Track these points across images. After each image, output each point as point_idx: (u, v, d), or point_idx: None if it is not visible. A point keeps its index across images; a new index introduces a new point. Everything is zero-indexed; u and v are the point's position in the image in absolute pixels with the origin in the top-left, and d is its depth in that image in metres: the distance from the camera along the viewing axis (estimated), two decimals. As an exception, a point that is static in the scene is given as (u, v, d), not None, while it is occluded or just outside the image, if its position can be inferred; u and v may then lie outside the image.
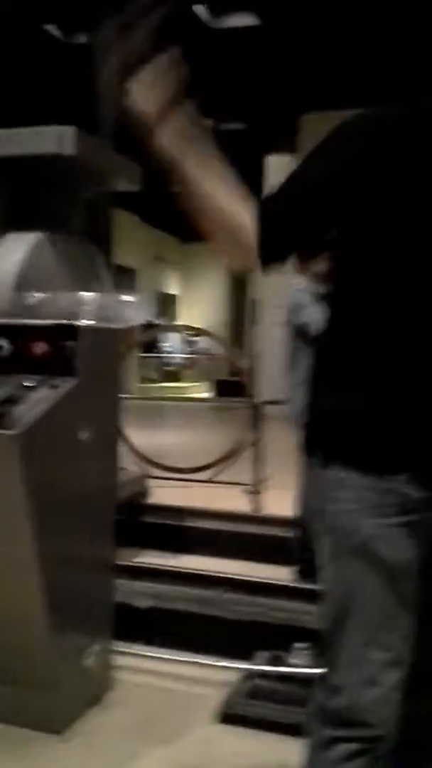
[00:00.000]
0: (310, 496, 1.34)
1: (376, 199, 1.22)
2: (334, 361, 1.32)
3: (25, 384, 1.95)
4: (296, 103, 10.47)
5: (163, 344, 18.00)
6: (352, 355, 1.26)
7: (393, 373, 1.23)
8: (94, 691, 2.25)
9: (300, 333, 3.27)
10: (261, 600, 2.92)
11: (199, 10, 8.08)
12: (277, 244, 1.27)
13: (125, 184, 3.32)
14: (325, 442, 1.30)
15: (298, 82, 9.89)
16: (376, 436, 1.24)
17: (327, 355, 1.34)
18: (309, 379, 1.36)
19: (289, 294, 3.36)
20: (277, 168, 12.82)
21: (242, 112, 11.64)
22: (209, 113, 11.48)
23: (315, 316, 3.21)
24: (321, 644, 1.33)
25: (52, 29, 8.60)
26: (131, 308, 2.60)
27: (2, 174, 2.75)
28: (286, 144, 11.87)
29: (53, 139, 2.70)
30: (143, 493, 4.09)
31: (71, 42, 8.77)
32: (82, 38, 8.60)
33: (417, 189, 1.20)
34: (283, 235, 1.27)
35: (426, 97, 1.29)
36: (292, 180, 1.28)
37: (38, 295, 2.38)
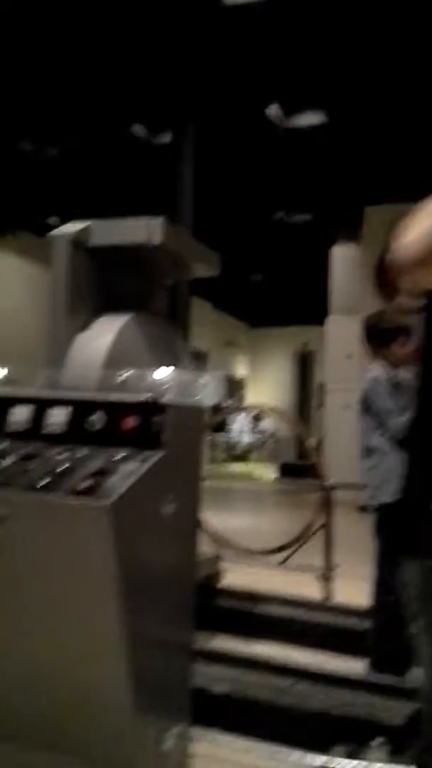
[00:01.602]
0: (412, 591, 1.29)
1: None
2: (426, 454, 1.27)
3: (116, 457, 2.03)
4: (362, 195, 10.79)
5: (231, 426, 18.09)
6: None
7: None
8: (170, 776, 2.19)
9: (375, 419, 3.27)
10: (335, 692, 2.82)
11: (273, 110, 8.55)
12: None
13: (205, 269, 3.48)
14: None
15: (364, 176, 10.22)
16: None
17: (418, 447, 1.29)
18: (403, 474, 1.32)
19: (365, 379, 3.37)
20: (343, 258, 13.11)
21: (310, 204, 12.04)
22: (279, 206, 11.90)
23: (389, 405, 3.22)
24: (416, 744, 1.25)
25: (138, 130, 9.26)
26: (209, 388, 2.69)
27: (96, 261, 2.95)
28: (351, 235, 12.16)
29: (143, 230, 2.89)
30: (217, 575, 4.05)
31: (154, 142, 9.42)
32: (164, 138, 9.20)
33: None
34: None
35: None
36: None
37: (126, 373, 2.50)
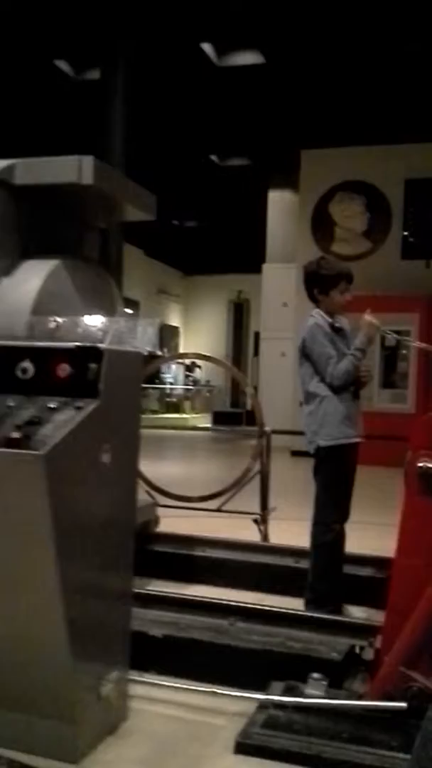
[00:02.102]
0: None
1: None
2: None
3: (49, 406, 1.96)
4: (297, 138, 10.68)
5: (165, 375, 18.03)
6: None
7: None
8: (111, 720, 2.20)
9: (314, 365, 3.29)
10: (274, 629, 2.89)
11: (206, 48, 8.28)
12: None
13: (141, 213, 3.35)
14: None
15: (300, 118, 10.09)
16: None
17: None
18: None
19: (305, 326, 3.37)
20: (279, 203, 13.01)
21: (245, 148, 11.84)
22: (213, 149, 11.73)
23: (329, 351, 3.24)
24: None
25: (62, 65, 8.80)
26: (145, 336, 2.62)
27: (20, 202, 2.79)
28: (287, 180, 12.07)
29: (73, 168, 2.74)
30: (154, 521, 4.06)
31: (80, 78, 9.00)
32: (91, 74, 8.79)
33: None
34: None
35: None
36: None
37: (57, 320, 2.40)
